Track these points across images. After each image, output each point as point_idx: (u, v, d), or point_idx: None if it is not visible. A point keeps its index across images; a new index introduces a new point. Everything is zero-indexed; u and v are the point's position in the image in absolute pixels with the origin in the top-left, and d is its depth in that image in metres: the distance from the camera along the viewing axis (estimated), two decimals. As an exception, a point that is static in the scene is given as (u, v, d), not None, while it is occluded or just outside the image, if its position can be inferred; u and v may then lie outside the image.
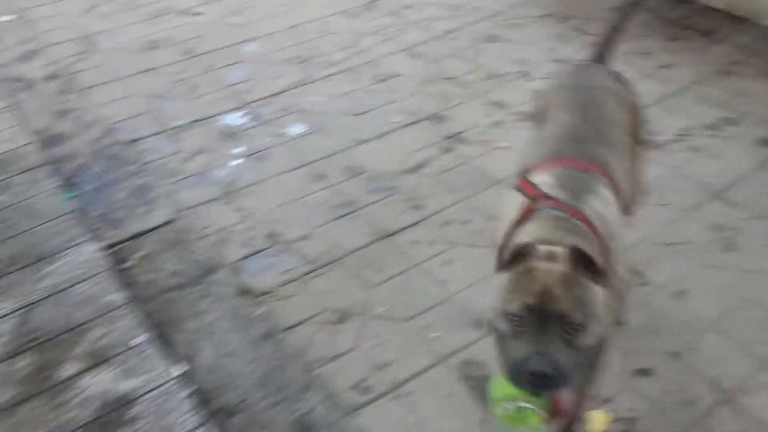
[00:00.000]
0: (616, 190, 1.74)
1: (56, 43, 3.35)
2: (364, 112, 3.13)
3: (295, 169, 2.82)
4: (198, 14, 3.71)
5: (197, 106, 3.06)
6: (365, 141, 2.98)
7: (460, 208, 2.68)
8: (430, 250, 2.51)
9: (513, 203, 1.67)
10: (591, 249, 1.44)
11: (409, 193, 2.76)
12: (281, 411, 1.96)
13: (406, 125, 3.08)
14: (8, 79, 3.12)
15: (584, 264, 1.38)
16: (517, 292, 1.37)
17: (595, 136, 1.82)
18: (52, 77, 3.07)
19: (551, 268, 1.37)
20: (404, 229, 2.60)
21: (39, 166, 2.54)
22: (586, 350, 1.39)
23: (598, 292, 1.41)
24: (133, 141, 2.80)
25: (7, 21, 3.50)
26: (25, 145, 2.69)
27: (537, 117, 2.02)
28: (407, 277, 2.41)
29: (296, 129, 3.04)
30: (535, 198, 1.61)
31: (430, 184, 2.80)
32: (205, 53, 3.39)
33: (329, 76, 3.37)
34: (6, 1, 3.74)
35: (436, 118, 3.14)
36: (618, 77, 2.06)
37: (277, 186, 2.75)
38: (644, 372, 2.10)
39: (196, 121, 2.96)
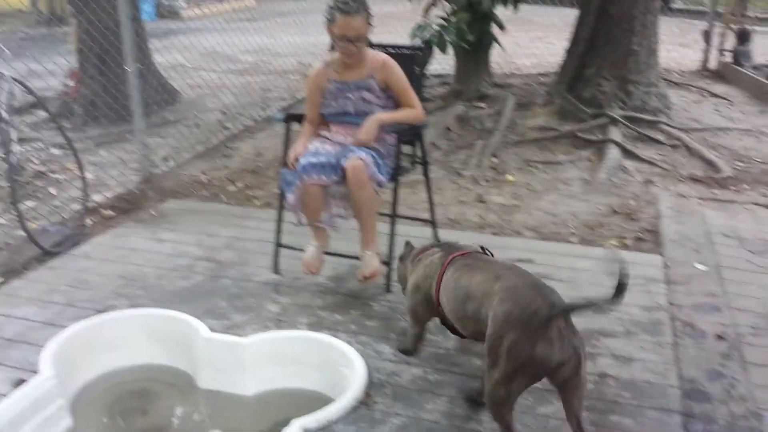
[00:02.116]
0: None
1: (738, 309, 3.37)
2: None
3: None
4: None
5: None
6: None
7: None
8: None
9: None
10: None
11: None
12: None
13: None
14: (681, 321, 3.27)
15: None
16: None
17: None
18: (720, 337, 3.10)
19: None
20: None
21: (672, 411, 2.64)
22: None
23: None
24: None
25: (702, 270, 3.78)
26: (671, 387, 2.75)
27: None
28: None
29: None
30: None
31: None
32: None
33: None
34: (703, 255, 3.93)
35: None
36: None
37: None
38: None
39: None
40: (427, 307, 2.66)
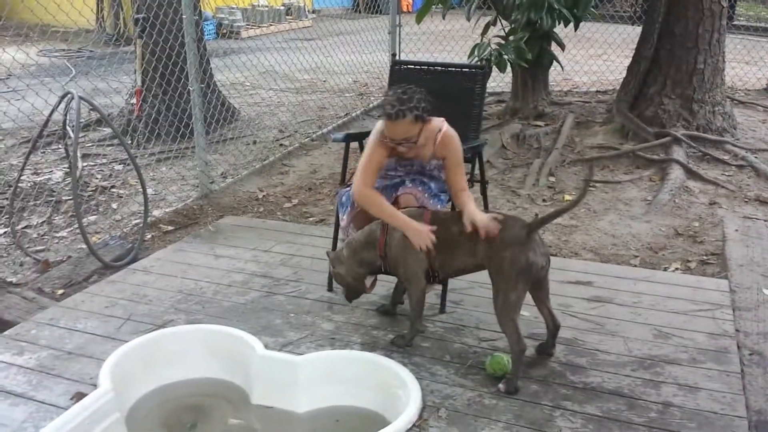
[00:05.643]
0: None
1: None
2: None
3: None
4: None
5: None
6: None
7: None
8: None
9: None
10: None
11: None
12: None
13: None
14: (749, 349, 3.12)
15: None
16: None
17: None
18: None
19: None
20: None
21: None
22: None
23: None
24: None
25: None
26: (739, 418, 2.62)
27: None
28: None
29: None
30: None
31: None
32: None
33: None
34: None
35: None
36: None
37: None
38: None
39: None
40: (420, 260, 3.00)
